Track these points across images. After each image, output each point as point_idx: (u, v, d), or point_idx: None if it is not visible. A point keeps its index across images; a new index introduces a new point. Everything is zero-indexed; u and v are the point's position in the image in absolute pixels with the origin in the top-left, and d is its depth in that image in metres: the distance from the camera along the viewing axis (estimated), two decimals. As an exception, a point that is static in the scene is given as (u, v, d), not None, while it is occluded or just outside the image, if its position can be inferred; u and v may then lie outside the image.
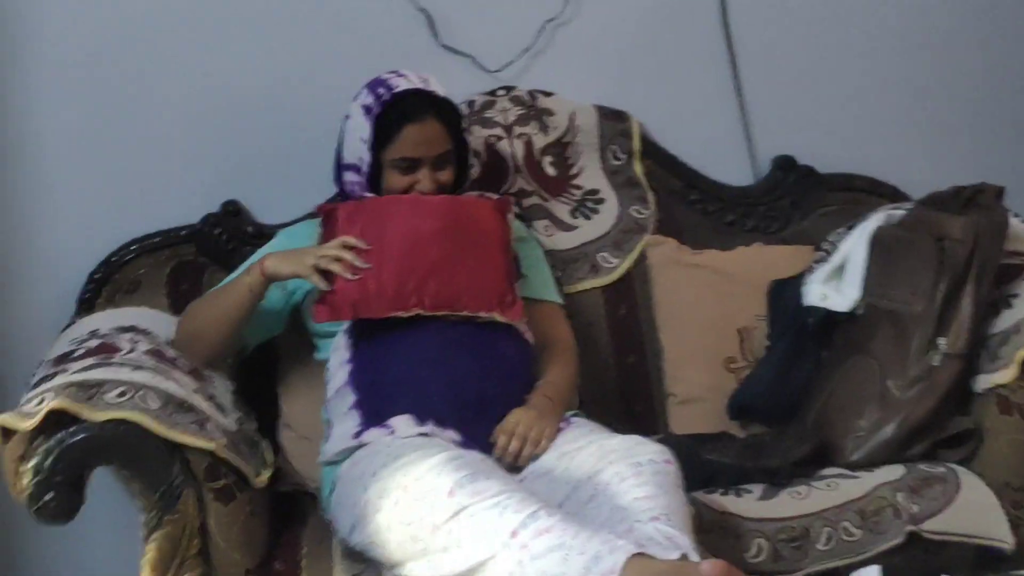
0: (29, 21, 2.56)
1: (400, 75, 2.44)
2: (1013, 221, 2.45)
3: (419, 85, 2.43)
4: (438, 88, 2.45)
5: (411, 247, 2.32)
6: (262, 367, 2.53)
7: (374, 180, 2.44)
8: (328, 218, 2.38)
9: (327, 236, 2.35)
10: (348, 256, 2.28)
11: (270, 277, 2.31)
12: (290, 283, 2.40)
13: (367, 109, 2.41)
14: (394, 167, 2.42)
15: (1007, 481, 2.31)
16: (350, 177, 2.47)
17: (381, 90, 2.42)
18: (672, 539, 1.89)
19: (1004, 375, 2.31)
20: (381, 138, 2.41)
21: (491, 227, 2.42)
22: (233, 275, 2.42)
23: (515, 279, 2.43)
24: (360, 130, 2.42)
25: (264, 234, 2.61)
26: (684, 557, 1.85)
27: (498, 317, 2.35)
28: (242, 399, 2.41)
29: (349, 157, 2.46)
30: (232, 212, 2.67)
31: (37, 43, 2.58)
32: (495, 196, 2.55)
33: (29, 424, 1.98)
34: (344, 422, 2.29)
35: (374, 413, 2.25)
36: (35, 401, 2.02)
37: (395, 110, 2.40)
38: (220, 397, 2.30)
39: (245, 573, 2.14)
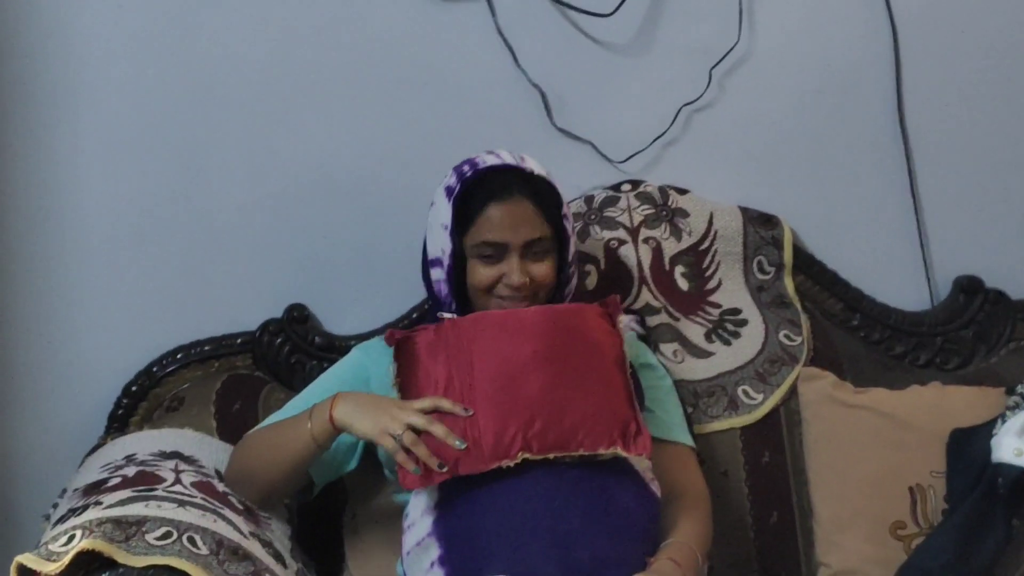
0: (72, 95, 2.62)
1: (491, 153, 2.45)
2: None
3: (510, 161, 2.43)
4: (535, 166, 2.44)
5: (508, 380, 2.29)
6: (324, 507, 2.52)
7: (458, 275, 2.43)
8: (402, 350, 2.32)
9: (403, 374, 2.32)
10: (440, 431, 2.23)
11: (340, 429, 2.30)
12: None
13: (449, 191, 2.42)
14: (477, 256, 2.40)
15: None
16: (436, 275, 2.46)
17: (466, 167, 2.43)
18: None
19: None
20: (462, 221, 2.40)
21: (601, 339, 2.38)
22: (296, 399, 2.43)
23: (639, 402, 2.40)
24: (442, 216, 2.42)
25: (335, 347, 2.63)
26: None
27: (621, 453, 2.31)
28: (301, 548, 2.39)
29: (433, 250, 2.45)
30: (297, 319, 2.69)
31: (78, 118, 2.64)
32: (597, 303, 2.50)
33: (54, 568, 1.97)
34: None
35: (464, 571, 2.23)
36: (62, 539, 2.01)
37: (479, 187, 2.40)
38: (277, 543, 2.28)
39: None
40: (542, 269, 2.41)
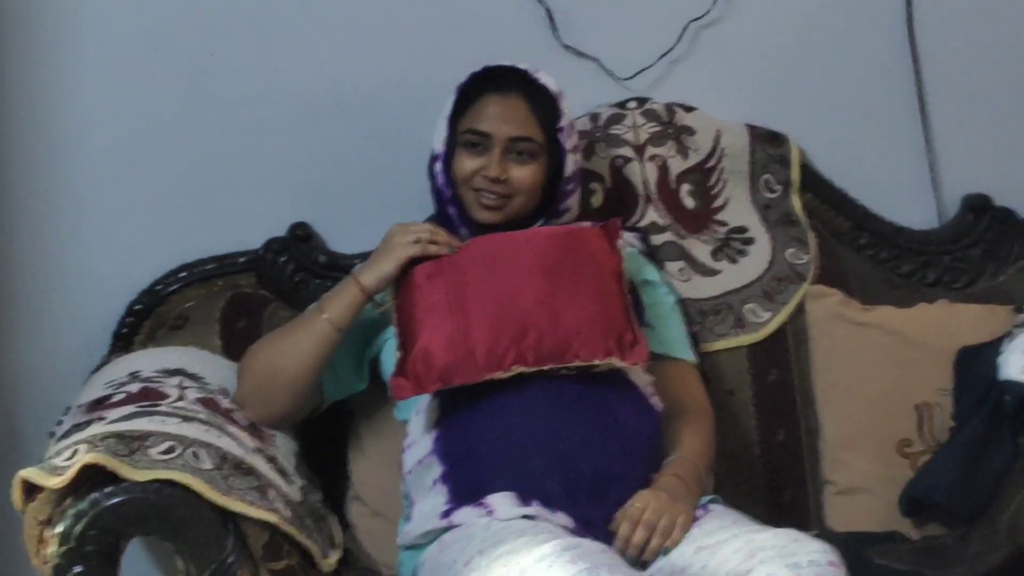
0: (73, 15, 2.62)
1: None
2: None
3: (522, 67, 2.46)
4: (546, 79, 2.46)
5: (502, 294, 2.31)
6: (328, 427, 2.54)
7: (449, 164, 2.45)
8: (401, 277, 2.35)
9: (401, 296, 2.35)
10: (441, 234, 2.35)
11: (375, 289, 2.34)
12: (369, 333, 2.44)
13: (458, 86, 2.46)
14: (464, 144, 2.43)
15: None
16: (436, 169, 2.48)
17: (479, 69, 2.46)
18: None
19: None
20: (459, 109, 2.44)
21: (600, 258, 2.39)
22: (302, 314, 2.44)
23: (636, 315, 2.40)
24: (446, 108, 2.46)
25: (338, 265, 2.64)
26: None
27: (617, 363, 2.33)
28: (306, 464, 2.41)
29: (435, 144, 2.48)
30: (301, 237, 2.69)
31: (81, 37, 2.64)
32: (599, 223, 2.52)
33: (58, 482, 1.99)
34: (429, 498, 2.29)
35: (466, 489, 2.25)
36: (65, 454, 2.03)
37: (482, 80, 2.44)
38: (282, 460, 2.31)
39: (307, 675, 2.14)
40: (522, 172, 2.42)
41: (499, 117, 2.41)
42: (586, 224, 2.50)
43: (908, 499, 2.56)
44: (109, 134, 2.66)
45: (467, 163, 2.42)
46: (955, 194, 2.88)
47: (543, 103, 2.44)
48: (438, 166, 2.47)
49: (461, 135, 2.43)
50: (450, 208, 2.46)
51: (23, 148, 2.63)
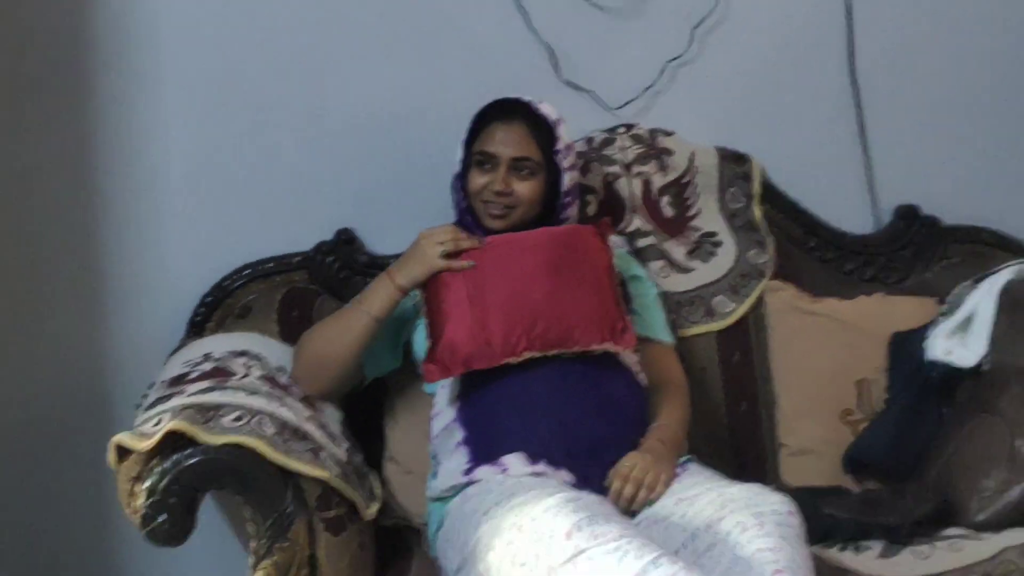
0: (154, 50, 2.61)
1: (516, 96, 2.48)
2: None
3: (526, 99, 2.46)
4: (548, 111, 2.46)
5: (514, 290, 2.32)
6: (368, 400, 2.53)
7: (464, 181, 2.45)
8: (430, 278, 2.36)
9: (429, 294, 2.35)
10: (463, 235, 2.35)
11: (408, 288, 2.34)
12: (402, 322, 2.44)
13: (473, 116, 2.46)
14: (476, 163, 2.43)
15: None
16: (456, 184, 2.48)
17: (491, 101, 2.46)
18: (796, 592, 1.86)
19: None
20: (473, 133, 2.44)
21: (593, 254, 2.40)
22: (345, 307, 2.43)
23: (625, 305, 2.41)
24: (463, 134, 2.46)
25: (377, 264, 2.62)
26: (810, 613, 1.82)
27: (611, 348, 2.33)
28: (350, 430, 2.41)
29: (456, 164, 2.48)
30: (346, 240, 2.68)
31: (161, 70, 2.62)
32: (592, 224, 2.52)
33: (146, 445, 2.00)
34: (452, 458, 2.29)
35: (484, 450, 2.25)
36: (152, 422, 2.04)
37: (492, 110, 2.44)
38: (331, 426, 2.31)
39: (353, 607, 2.14)
40: (522, 187, 2.42)
41: (504, 141, 2.41)
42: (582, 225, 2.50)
43: (850, 459, 2.57)
44: (187, 155, 2.65)
45: (478, 179, 2.42)
46: (889, 205, 2.87)
47: (542, 129, 2.44)
48: (457, 183, 2.47)
49: (473, 156, 2.43)
50: (466, 217, 2.46)
51: (115, 167, 2.63)
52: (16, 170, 2.60)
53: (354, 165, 2.69)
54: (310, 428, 2.18)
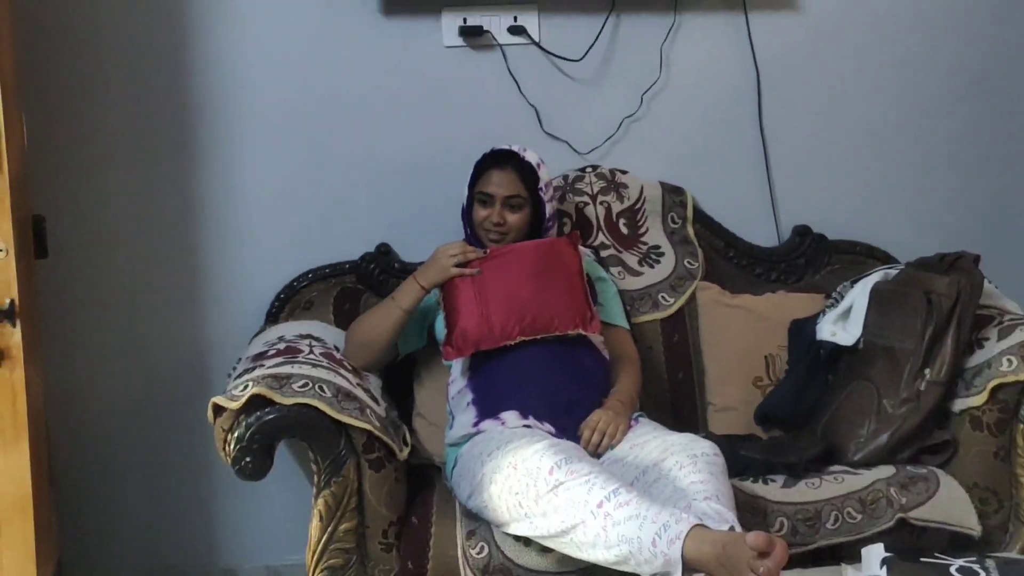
0: (243, 97, 2.60)
1: (511, 146, 2.46)
2: (987, 282, 2.41)
3: (515, 149, 2.44)
4: (532, 157, 2.44)
5: (509, 290, 2.32)
6: (401, 371, 2.52)
7: (470, 214, 2.44)
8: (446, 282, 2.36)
9: (445, 294, 2.35)
10: (470, 249, 2.34)
11: (430, 288, 2.33)
12: (426, 313, 2.43)
13: (475, 168, 2.44)
14: (478, 200, 2.41)
15: (976, 482, 2.27)
16: (464, 217, 2.47)
17: (489, 150, 2.45)
18: (721, 515, 1.87)
19: (976, 400, 2.27)
20: (475, 177, 2.42)
21: (568, 259, 2.40)
22: (383, 302, 2.43)
23: (592, 299, 2.40)
24: (469, 178, 2.45)
25: (407, 270, 2.59)
26: (732, 529, 1.83)
27: (582, 332, 2.34)
28: (387, 393, 2.41)
29: (465, 201, 2.47)
30: (384, 252, 2.67)
31: (249, 115, 2.61)
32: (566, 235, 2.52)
33: (236, 404, 2.01)
34: (464, 414, 2.30)
35: (488, 408, 2.26)
36: (240, 387, 2.05)
37: (490, 159, 2.42)
38: (373, 390, 2.31)
39: (389, 524, 2.13)
40: (513, 217, 2.41)
41: (499, 183, 2.40)
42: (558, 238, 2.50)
43: (759, 414, 2.56)
44: (266, 186, 2.64)
45: (480, 213, 2.41)
46: (788, 224, 2.85)
47: (528, 172, 2.42)
48: (464, 215, 2.47)
49: (476, 195, 2.42)
50: (472, 239, 2.45)
51: (215, 195, 2.63)
52: (134, 191, 2.59)
53: (390, 196, 2.68)
54: (358, 392, 2.18)
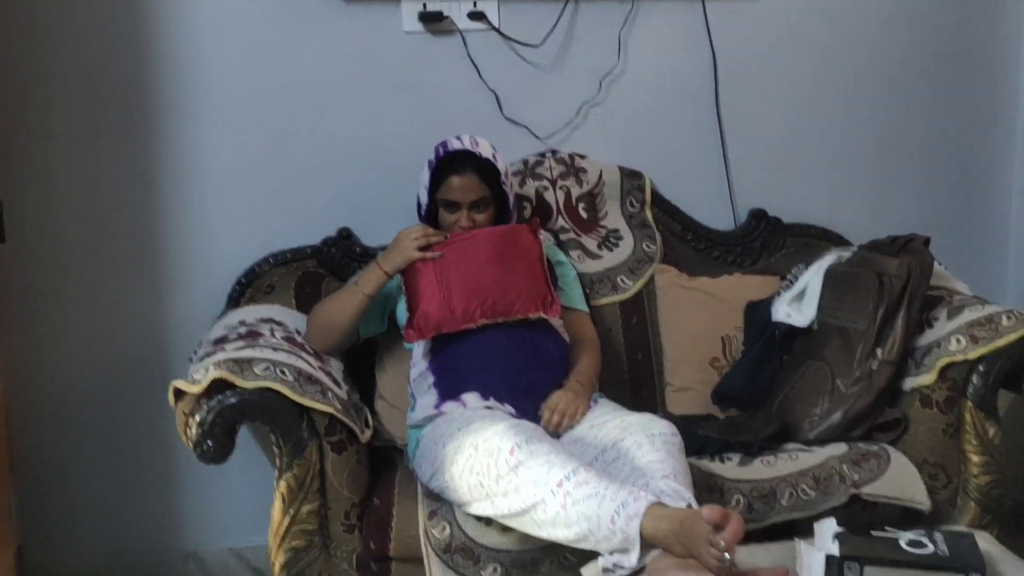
0: (202, 83, 2.56)
1: (458, 138, 2.41)
2: (936, 264, 2.44)
3: (467, 146, 2.39)
4: (484, 150, 2.40)
5: (471, 274, 2.30)
6: (362, 354, 2.50)
7: (432, 217, 2.42)
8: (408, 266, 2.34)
9: (407, 277, 2.33)
10: (431, 232, 2.31)
11: (392, 273, 2.31)
12: (388, 297, 2.41)
13: (429, 163, 2.40)
14: (443, 206, 2.39)
15: (925, 458, 2.29)
16: (422, 212, 2.45)
17: (440, 149, 2.40)
18: (679, 492, 1.88)
19: (926, 379, 2.29)
20: (435, 184, 2.39)
21: (529, 245, 2.38)
22: (345, 286, 2.41)
23: (552, 284, 2.39)
24: (424, 179, 2.42)
25: (368, 254, 2.58)
26: (689, 506, 1.83)
27: (543, 315, 2.33)
28: (349, 376, 2.39)
29: (420, 199, 2.44)
30: (344, 236, 2.64)
31: (210, 101, 2.57)
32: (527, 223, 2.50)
33: (198, 388, 1.99)
34: (426, 396, 2.28)
35: (449, 391, 2.25)
36: (201, 371, 2.02)
37: (445, 163, 2.38)
38: (335, 374, 2.29)
39: (352, 506, 2.12)
40: (482, 217, 2.40)
41: (462, 189, 2.37)
42: (519, 223, 2.49)
43: (716, 394, 2.57)
44: (226, 170, 2.60)
45: (448, 218, 2.39)
46: (744, 208, 2.86)
47: (487, 172, 2.39)
48: (423, 211, 2.44)
49: (440, 202, 2.39)
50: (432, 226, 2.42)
51: (174, 179, 2.58)
52: (92, 176, 2.55)
53: (351, 180, 2.65)
54: (320, 375, 2.16)
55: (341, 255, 2.63)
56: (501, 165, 2.42)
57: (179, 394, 2.02)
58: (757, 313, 2.62)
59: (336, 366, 2.35)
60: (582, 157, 2.74)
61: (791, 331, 2.52)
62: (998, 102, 2.97)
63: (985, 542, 1.88)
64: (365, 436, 2.18)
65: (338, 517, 2.10)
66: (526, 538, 1.99)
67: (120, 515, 2.65)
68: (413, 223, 2.42)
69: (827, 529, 1.81)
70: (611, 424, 2.12)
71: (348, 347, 2.42)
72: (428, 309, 2.28)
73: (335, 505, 2.10)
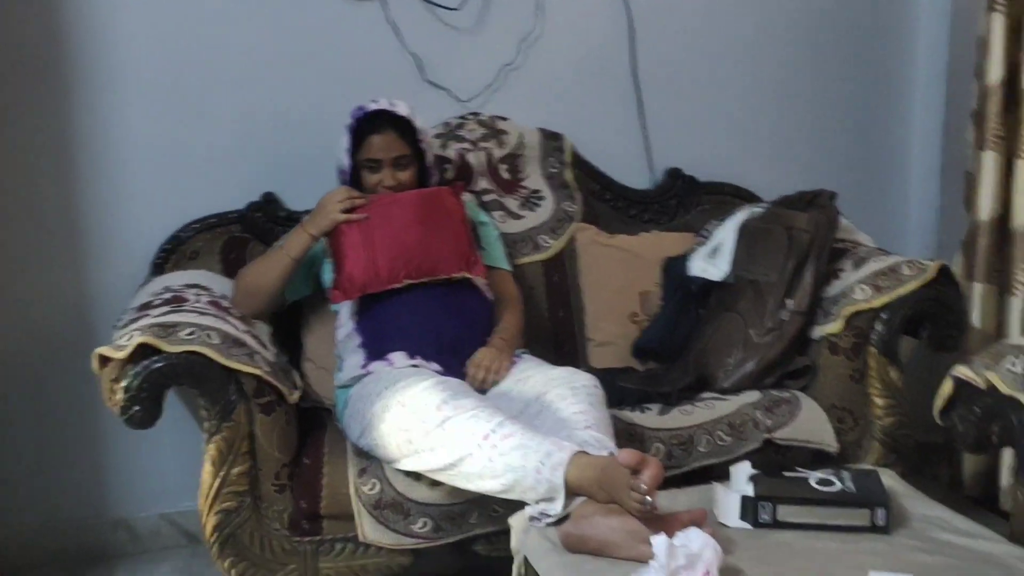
0: (122, 51, 2.50)
1: (375, 101, 2.39)
2: (841, 218, 2.49)
3: (384, 107, 2.37)
4: (402, 109, 2.38)
5: (395, 236, 2.29)
6: (289, 318, 2.48)
7: (355, 180, 2.40)
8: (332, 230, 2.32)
9: (332, 240, 2.31)
10: (355, 194, 2.30)
11: (318, 236, 2.29)
12: (313, 260, 2.39)
13: (348, 127, 2.38)
14: (364, 167, 2.37)
15: (833, 403, 2.36)
16: (343, 179, 2.42)
17: (357, 111, 2.38)
18: (601, 442, 1.91)
19: (833, 327, 2.35)
20: (355, 145, 2.37)
21: (452, 208, 2.38)
22: (271, 250, 2.38)
23: (475, 245, 2.40)
24: (344, 143, 2.39)
25: (293, 219, 2.55)
26: (611, 455, 1.86)
27: (466, 274, 2.33)
28: (276, 340, 2.37)
29: (340, 162, 2.42)
30: (269, 201, 2.61)
31: (129, 69, 2.50)
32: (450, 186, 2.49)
33: (122, 354, 1.95)
34: (352, 357, 2.28)
35: (375, 351, 2.24)
36: (126, 337, 1.98)
37: (363, 124, 2.36)
38: (262, 337, 2.27)
39: (282, 466, 2.11)
40: (405, 175, 2.38)
41: (382, 148, 2.35)
42: (442, 186, 2.48)
43: (636, 347, 2.61)
44: (148, 138, 2.54)
45: (371, 178, 2.37)
46: (661, 167, 2.90)
47: (405, 130, 2.38)
48: (344, 177, 2.41)
49: (362, 162, 2.37)
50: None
51: (95, 148, 2.52)
52: (11, 149, 2.47)
53: (274, 145, 2.62)
54: (246, 339, 2.14)
55: (266, 220, 2.59)
56: (419, 123, 2.41)
57: (104, 361, 1.98)
58: (674, 269, 2.66)
59: (263, 329, 2.32)
60: (503, 119, 2.74)
61: (707, 285, 2.56)
62: (895, 57, 3.06)
63: (889, 479, 1.95)
64: (293, 397, 2.16)
65: (268, 478, 2.09)
66: (455, 491, 2.00)
67: (49, 484, 2.60)
68: (336, 187, 2.39)
69: (742, 472, 1.86)
70: (535, 379, 2.14)
71: (275, 310, 2.40)
72: (353, 271, 2.27)
73: (265, 466, 2.08)
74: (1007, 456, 2.58)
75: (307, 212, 2.41)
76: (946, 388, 1.90)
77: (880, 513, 1.78)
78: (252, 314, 2.31)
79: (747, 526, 1.79)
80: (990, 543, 1.74)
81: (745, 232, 2.53)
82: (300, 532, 2.11)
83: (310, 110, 2.62)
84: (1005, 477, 2.62)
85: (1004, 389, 1.79)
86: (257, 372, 2.04)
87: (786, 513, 1.79)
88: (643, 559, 1.60)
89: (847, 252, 2.47)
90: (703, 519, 1.72)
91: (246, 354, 2.06)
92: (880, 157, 3.09)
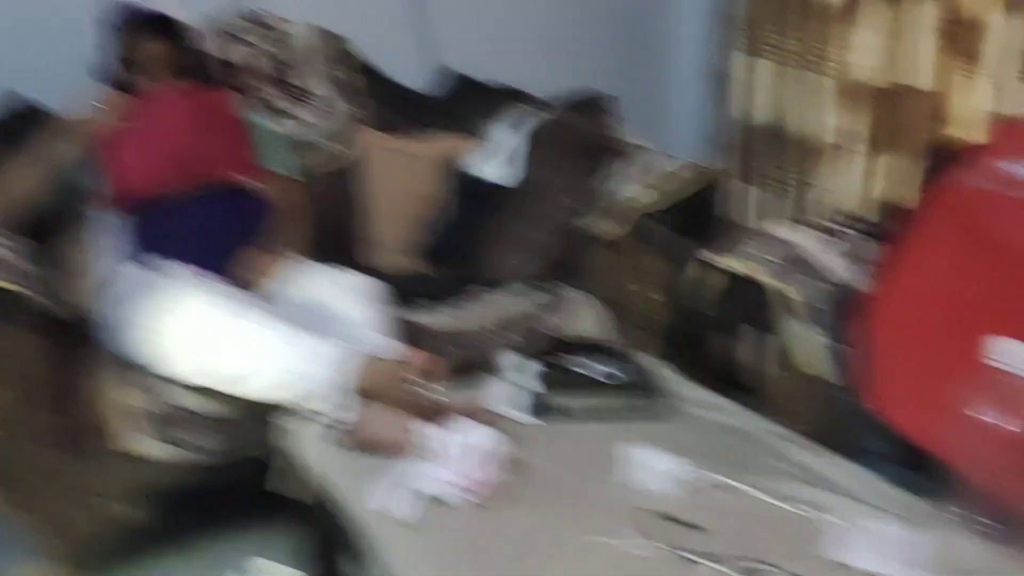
0: None
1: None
2: (620, 121, 2.54)
3: (155, 8, 2.22)
4: (172, 10, 2.23)
5: (169, 141, 2.16)
6: (52, 228, 2.24)
7: (123, 83, 2.22)
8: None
9: (103, 149, 2.13)
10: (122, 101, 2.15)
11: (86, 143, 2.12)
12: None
13: (114, 27, 2.20)
14: (135, 71, 2.21)
15: (612, 298, 2.41)
16: (105, 78, 2.23)
17: (124, 11, 2.21)
18: (388, 345, 1.88)
19: (610, 225, 2.39)
20: (124, 48, 2.21)
21: (229, 111, 2.27)
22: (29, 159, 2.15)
23: (253, 152, 2.28)
24: (111, 43, 2.21)
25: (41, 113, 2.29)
26: (399, 358, 1.84)
27: (245, 180, 2.21)
28: (37, 252, 2.13)
29: (105, 63, 2.22)
30: (13, 98, 2.32)
31: None
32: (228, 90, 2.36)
33: None
34: (125, 267, 2.12)
35: (151, 260, 2.09)
36: None
37: (132, 26, 2.20)
38: (17, 249, 2.04)
39: (45, 385, 1.92)
40: (177, 80, 2.23)
41: (153, 53, 2.20)
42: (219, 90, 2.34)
43: (421, 251, 2.57)
44: None
45: (142, 83, 2.20)
46: (443, 70, 2.83)
47: (177, 30, 2.24)
48: (112, 77, 2.22)
49: (132, 66, 2.20)
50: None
51: None
52: None
53: (16, 41, 2.35)
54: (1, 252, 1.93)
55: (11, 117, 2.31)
56: (190, 24, 2.26)
57: None
58: (457, 171, 2.63)
59: (21, 241, 2.11)
60: (285, 21, 2.59)
61: (490, 188, 2.55)
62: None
63: (667, 370, 2.03)
64: (57, 311, 1.99)
65: (30, 399, 1.91)
66: (245, 402, 1.91)
67: None
68: (90, 83, 2.20)
69: (510, 363, 1.89)
70: (323, 286, 2.07)
71: (36, 221, 2.18)
72: (125, 177, 2.09)
73: (26, 387, 1.90)
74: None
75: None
76: (718, 281, 1.98)
77: (658, 401, 1.85)
78: (6, 224, 2.08)
79: (528, 417, 1.82)
80: (749, 419, 1.84)
81: (531, 136, 2.53)
82: (71, 452, 1.95)
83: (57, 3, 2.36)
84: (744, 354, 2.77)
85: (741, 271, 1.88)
86: (11, 287, 1.86)
87: (564, 403, 1.83)
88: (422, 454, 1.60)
89: (623, 154, 2.51)
90: (480, 412, 1.73)
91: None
92: (651, 58, 3.18)
